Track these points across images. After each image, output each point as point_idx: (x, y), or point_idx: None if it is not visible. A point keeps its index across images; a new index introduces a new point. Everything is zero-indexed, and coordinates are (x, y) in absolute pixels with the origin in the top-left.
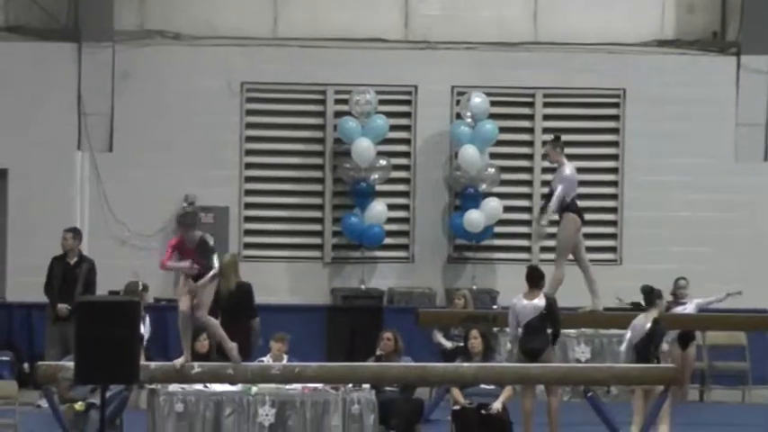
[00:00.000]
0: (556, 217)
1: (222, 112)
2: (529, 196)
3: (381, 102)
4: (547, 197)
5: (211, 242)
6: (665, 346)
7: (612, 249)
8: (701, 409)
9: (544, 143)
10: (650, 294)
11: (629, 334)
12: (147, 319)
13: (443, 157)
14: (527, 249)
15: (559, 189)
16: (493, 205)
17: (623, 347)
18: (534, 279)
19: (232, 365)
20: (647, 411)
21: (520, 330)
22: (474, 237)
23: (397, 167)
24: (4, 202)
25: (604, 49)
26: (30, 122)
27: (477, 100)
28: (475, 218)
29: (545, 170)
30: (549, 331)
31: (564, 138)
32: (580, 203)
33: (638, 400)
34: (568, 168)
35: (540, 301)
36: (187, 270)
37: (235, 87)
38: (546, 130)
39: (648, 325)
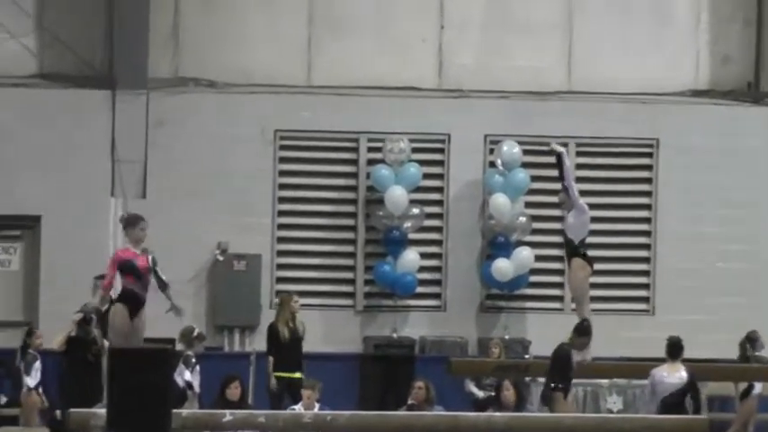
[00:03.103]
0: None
1: (255, 159)
2: (561, 245)
3: (414, 150)
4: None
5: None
6: None
7: (645, 300)
8: None
9: (558, 191)
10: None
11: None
12: (198, 367)
13: (476, 206)
14: (560, 299)
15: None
16: (524, 254)
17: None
18: (675, 351)
19: (264, 414)
20: None
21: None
22: (506, 285)
23: (429, 216)
24: (38, 249)
25: (638, 98)
26: (64, 169)
27: (510, 149)
28: (503, 267)
29: None
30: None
31: (596, 187)
32: (612, 253)
33: None
34: (583, 204)
35: (682, 374)
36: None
37: (268, 135)
38: (579, 180)
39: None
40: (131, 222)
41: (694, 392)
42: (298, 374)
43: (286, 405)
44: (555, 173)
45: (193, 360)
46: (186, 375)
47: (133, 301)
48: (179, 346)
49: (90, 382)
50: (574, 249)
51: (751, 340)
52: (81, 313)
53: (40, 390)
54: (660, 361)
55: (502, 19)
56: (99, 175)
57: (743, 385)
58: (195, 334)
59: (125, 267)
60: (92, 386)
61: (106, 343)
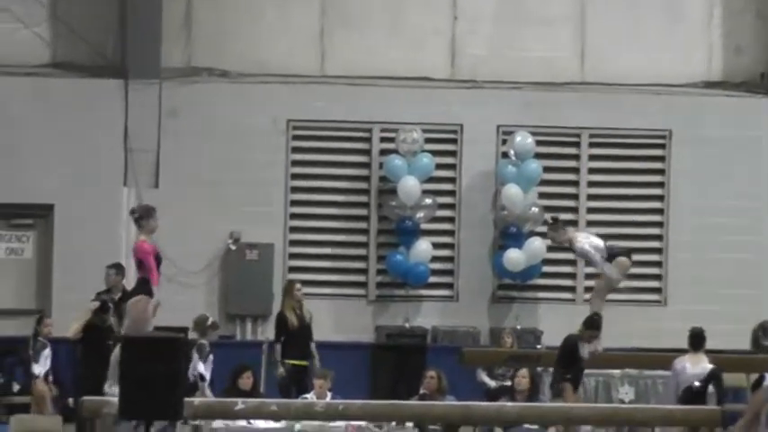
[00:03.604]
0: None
1: (268, 149)
2: None
3: (427, 140)
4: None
5: None
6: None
7: (657, 290)
8: None
9: (590, 183)
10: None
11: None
12: (211, 357)
13: (488, 196)
14: (572, 289)
15: (594, 259)
16: (536, 245)
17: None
18: (697, 342)
19: (276, 402)
20: None
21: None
22: (518, 276)
23: (442, 206)
24: (51, 237)
25: (651, 90)
26: (76, 158)
27: (522, 139)
28: (515, 257)
29: (590, 210)
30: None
31: (609, 178)
32: (624, 244)
33: None
34: (579, 242)
35: (705, 366)
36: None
37: (281, 125)
38: (591, 171)
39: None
40: (147, 213)
41: (718, 383)
42: (305, 362)
43: (293, 392)
44: (567, 164)
45: (207, 349)
46: (200, 367)
47: (149, 291)
48: (192, 335)
49: (105, 370)
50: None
51: (764, 329)
52: (98, 301)
53: (50, 378)
54: (671, 351)
55: (515, 10)
56: (112, 164)
57: (754, 375)
58: (209, 323)
59: (157, 259)
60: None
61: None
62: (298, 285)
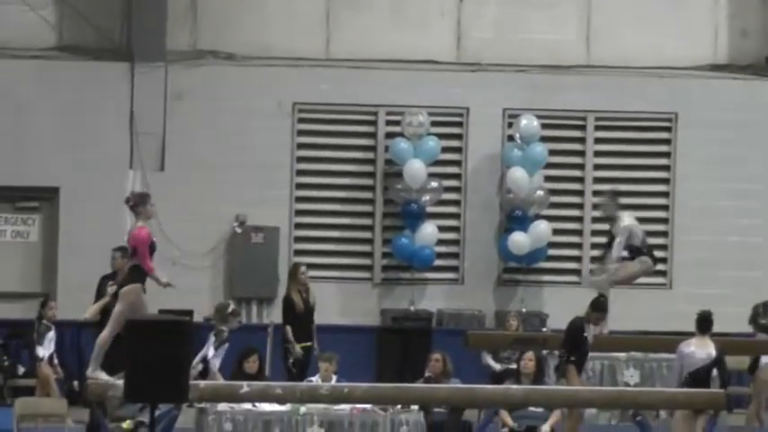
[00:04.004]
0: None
1: (274, 132)
2: (579, 219)
3: (433, 123)
4: (606, 246)
5: None
6: None
7: (662, 273)
8: None
9: (595, 166)
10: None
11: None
12: (226, 345)
13: (494, 179)
14: (577, 272)
15: (620, 239)
16: (541, 228)
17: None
18: (705, 326)
19: (281, 385)
20: None
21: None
22: (524, 259)
23: (448, 189)
24: (56, 220)
25: (657, 73)
26: (82, 141)
27: (528, 122)
28: (519, 240)
29: (595, 193)
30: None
31: (615, 161)
32: None
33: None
34: (626, 220)
35: (711, 351)
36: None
37: (286, 108)
38: (597, 154)
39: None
40: (142, 200)
41: (722, 369)
42: (310, 343)
43: (297, 375)
44: (573, 147)
45: (225, 335)
46: (209, 353)
47: (143, 280)
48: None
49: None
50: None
51: (766, 307)
52: (116, 286)
53: (55, 360)
54: (676, 334)
55: None
56: (117, 147)
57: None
58: (230, 310)
59: (152, 246)
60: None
61: None
62: (303, 268)
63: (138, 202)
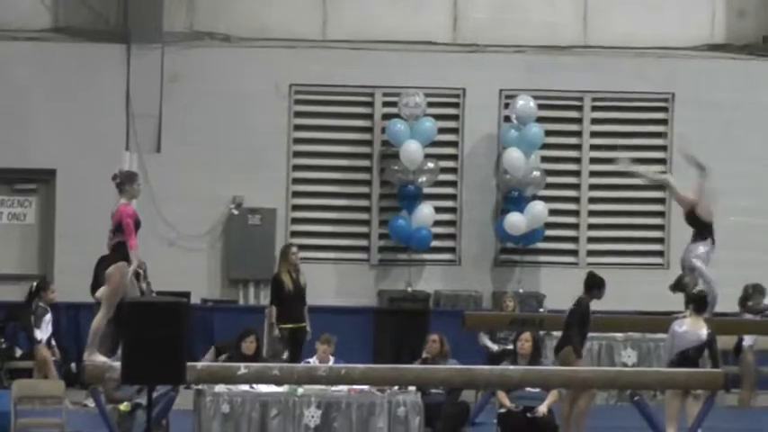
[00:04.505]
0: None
1: (270, 113)
2: (576, 200)
3: (430, 104)
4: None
5: None
6: None
7: (660, 254)
8: (745, 415)
9: (592, 146)
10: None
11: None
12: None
13: (491, 160)
14: (574, 253)
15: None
16: (538, 209)
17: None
18: (700, 305)
19: (278, 366)
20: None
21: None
22: (521, 240)
23: (444, 170)
24: (53, 202)
25: (654, 53)
26: (78, 123)
27: (525, 103)
28: (516, 221)
29: (592, 174)
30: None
31: (611, 141)
32: (627, 207)
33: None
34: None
35: (702, 332)
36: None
37: (283, 89)
38: (594, 134)
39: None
40: (129, 179)
41: (713, 349)
42: (303, 324)
43: (290, 355)
44: (570, 127)
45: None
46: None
47: (128, 257)
48: None
49: None
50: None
51: (756, 289)
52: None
53: (53, 343)
54: (674, 314)
55: None
56: (114, 129)
57: (734, 341)
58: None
59: (136, 223)
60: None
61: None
62: (294, 249)
63: (125, 180)
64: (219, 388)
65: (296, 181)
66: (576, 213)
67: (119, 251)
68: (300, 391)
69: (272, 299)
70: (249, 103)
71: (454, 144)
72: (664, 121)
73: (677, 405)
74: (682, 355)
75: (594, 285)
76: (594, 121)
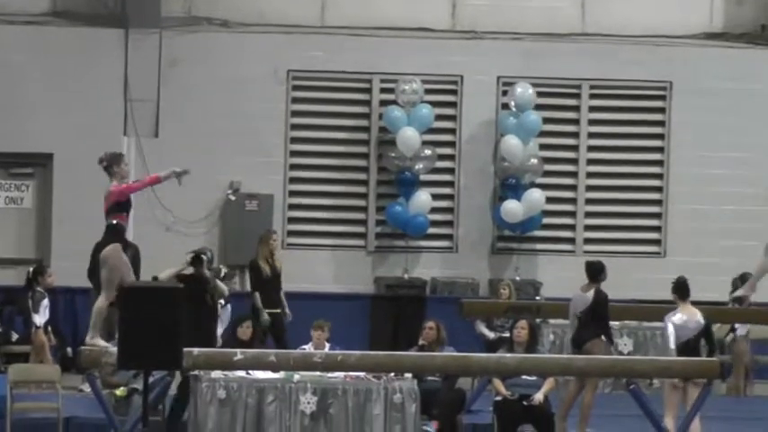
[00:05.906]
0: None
1: (268, 99)
2: (573, 188)
3: (427, 91)
4: None
5: None
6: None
7: (656, 242)
8: (741, 403)
9: (590, 134)
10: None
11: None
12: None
13: (489, 148)
14: (571, 241)
15: None
16: (535, 196)
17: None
18: (685, 291)
19: (275, 353)
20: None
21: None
22: (518, 227)
23: (442, 157)
24: (50, 187)
25: (652, 41)
26: (76, 108)
27: (523, 90)
28: (512, 208)
29: (590, 162)
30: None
31: (609, 130)
32: (624, 195)
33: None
34: None
35: (699, 317)
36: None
37: (281, 75)
38: (592, 122)
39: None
40: (116, 160)
41: (709, 337)
42: (278, 310)
43: (269, 342)
44: (567, 115)
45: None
46: None
47: (122, 239)
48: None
49: (203, 323)
50: None
51: (743, 280)
52: (192, 252)
53: (49, 328)
54: (670, 303)
55: None
56: (112, 113)
57: (726, 329)
58: (223, 274)
59: (127, 204)
60: (206, 329)
61: (222, 286)
62: (274, 236)
63: (112, 162)
64: (216, 374)
65: (293, 167)
66: (573, 201)
67: (112, 233)
68: (297, 377)
69: (254, 284)
70: (247, 89)
71: (452, 131)
72: (662, 110)
73: (676, 398)
74: (686, 345)
75: (597, 272)
76: (592, 109)
